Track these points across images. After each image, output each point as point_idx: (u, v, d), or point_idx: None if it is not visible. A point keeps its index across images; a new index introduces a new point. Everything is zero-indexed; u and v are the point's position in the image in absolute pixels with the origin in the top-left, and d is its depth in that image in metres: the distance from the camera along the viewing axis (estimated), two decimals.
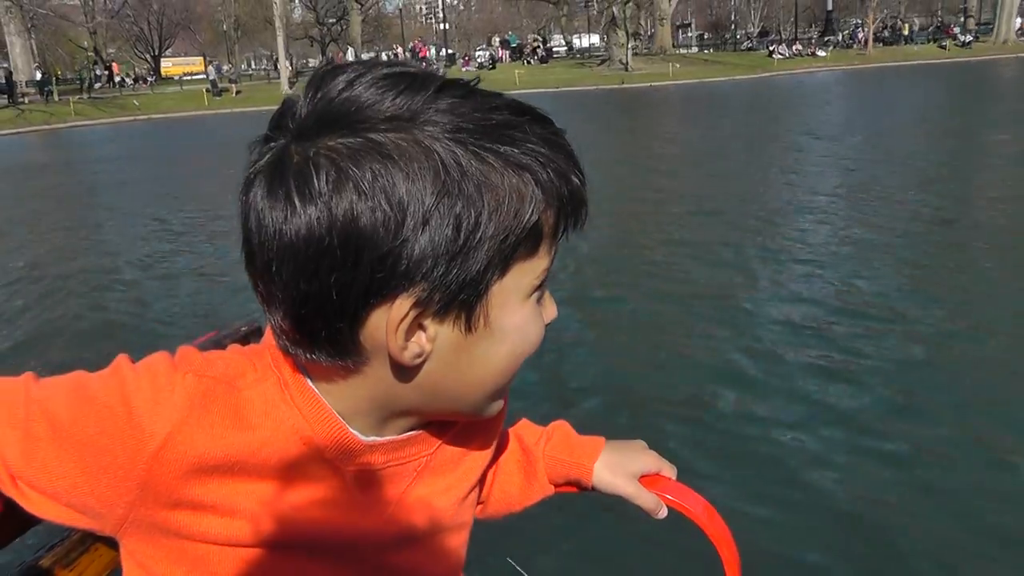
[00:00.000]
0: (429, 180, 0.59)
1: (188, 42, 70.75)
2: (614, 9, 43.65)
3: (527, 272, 0.66)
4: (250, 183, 0.63)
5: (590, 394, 4.59)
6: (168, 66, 58.77)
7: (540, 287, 0.69)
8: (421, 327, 0.64)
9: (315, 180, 0.59)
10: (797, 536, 3.14)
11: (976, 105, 21.21)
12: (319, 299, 0.61)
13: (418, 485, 0.78)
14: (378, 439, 0.73)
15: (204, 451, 0.65)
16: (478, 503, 0.98)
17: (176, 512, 0.67)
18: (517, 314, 0.67)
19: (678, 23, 79.74)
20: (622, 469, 0.98)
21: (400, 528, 0.77)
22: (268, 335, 0.72)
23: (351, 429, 0.71)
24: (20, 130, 33.02)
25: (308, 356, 0.66)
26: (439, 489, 0.80)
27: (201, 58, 61.11)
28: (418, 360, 0.66)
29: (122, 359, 0.69)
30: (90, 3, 54.63)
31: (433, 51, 60.41)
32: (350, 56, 50.40)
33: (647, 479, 0.99)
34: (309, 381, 0.70)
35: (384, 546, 0.77)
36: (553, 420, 1.05)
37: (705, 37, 71.93)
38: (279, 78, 42.69)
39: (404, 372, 0.67)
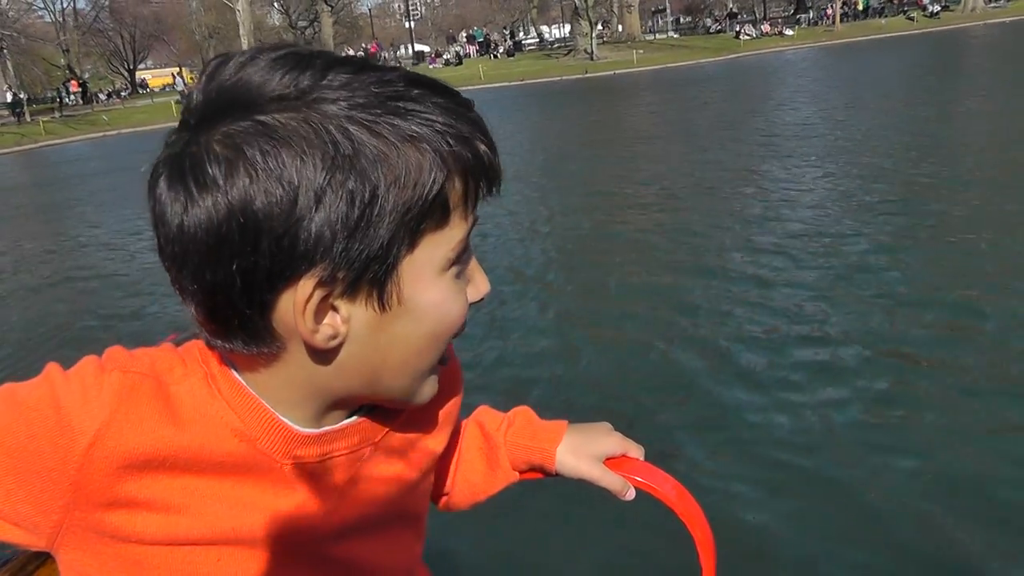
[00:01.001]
0: (319, 158, 0.59)
1: (167, 53, 71.00)
2: (576, 0, 43.81)
3: (439, 244, 0.65)
4: (155, 177, 0.63)
5: (564, 385, 4.59)
6: (149, 78, 59.01)
7: (459, 260, 0.68)
8: (334, 309, 0.64)
9: (208, 168, 0.59)
10: (777, 518, 3.13)
11: (933, 73, 21.37)
12: (226, 287, 0.61)
13: (363, 475, 0.77)
14: (315, 431, 0.72)
15: (135, 446, 0.64)
16: (442, 495, 1.02)
17: (111, 512, 0.65)
18: (433, 289, 0.67)
19: (653, 9, 79.86)
20: (585, 451, 0.97)
21: (345, 519, 0.76)
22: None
23: (285, 420, 0.70)
24: None
25: (226, 346, 0.65)
26: (386, 478, 0.79)
27: (180, 68, 61.42)
28: (333, 342, 0.65)
29: (52, 366, 0.67)
30: (61, 21, 54.80)
31: (403, 49, 60.58)
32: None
33: (613, 461, 0.97)
34: (236, 374, 0.69)
35: (329, 538, 0.76)
36: (515, 407, 1.04)
37: (681, 21, 71.87)
38: None
39: (323, 356, 0.66)
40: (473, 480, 1.01)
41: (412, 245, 0.64)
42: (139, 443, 0.64)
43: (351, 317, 0.65)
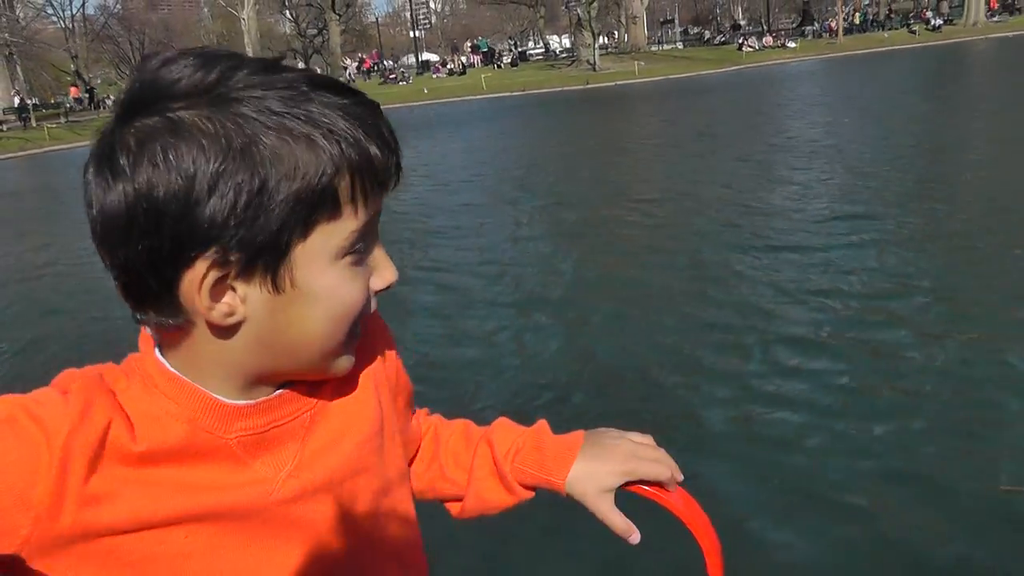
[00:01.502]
0: (214, 151, 0.65)
1: None
2: (579, 11, 44.02)
3: (332, 234, 0.70)
4: (86, 165, 0.70)
5: (571, 388, 4.63)
6: None
7: (355, 250, 0.73)
8: (232, 289, 0.70)
9: (119, 159, 0.66)
10: (781, 523, 3.17)
11: (924, 87, 21.46)
12: (136, 265, 0.68)
13: (309, 440, 0.82)
14: (249, 402, 0.77)
15: (102, 441, 0.69)
16: (455, 501, 1.06)
17: (83, 510, 0.69)
18: (326, 275, 0.72)
19: (662, 19, 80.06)
20: (593, 484, 0.95)
21: (305, 484, 0.80)
22: (141, 335, 0.79)
23: (218, 397, 0.75)
24: None
25: (143, 318, 0.73)
26: (332, 439, 0.83)
27: None
28: (230, 319, 0.71)
29: (9, 395, 0.72)
30: (70, 28, 55.36)
31: (408, 58, 60.93)
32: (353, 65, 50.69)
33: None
34: (168, 365, 0.76)
35: (292, 503, 0.80)
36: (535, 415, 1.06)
37: (690, 32, 72.00)
38: None
39: (227, 332, 0.72)
40: (487, 498, 1.02)
41: (304, 234, 0.69)
42: (105, 438, 0.69)
43: (247, 297, 0.70)
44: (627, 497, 0.95)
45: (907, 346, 4.68)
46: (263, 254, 0.69)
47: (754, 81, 31.89)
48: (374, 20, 78.81)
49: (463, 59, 54.20)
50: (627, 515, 0.93)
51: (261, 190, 0.66)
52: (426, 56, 63.68)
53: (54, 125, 39.64)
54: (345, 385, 0.86)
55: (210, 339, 0.73)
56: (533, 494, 1.00)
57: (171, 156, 0.65)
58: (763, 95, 25.07)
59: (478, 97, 37.99)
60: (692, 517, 0.92)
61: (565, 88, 38.68)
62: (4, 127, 40.49)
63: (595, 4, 44.24)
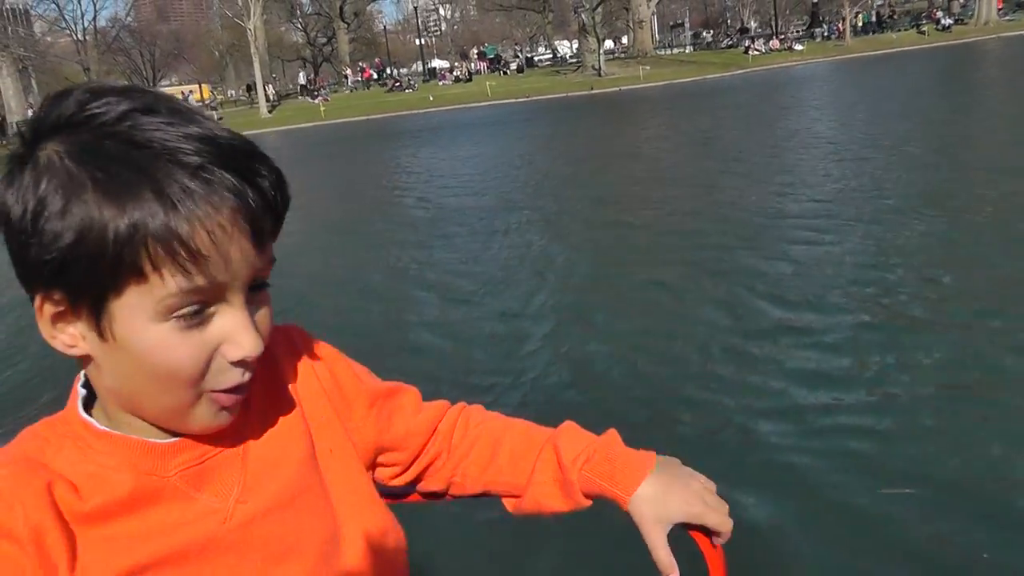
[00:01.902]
0: (38, 195, 0.67)
1: (188, 70, 72.20)
2: (583, 16, 44.00)
3: (144, 294, 0.68)
4: None
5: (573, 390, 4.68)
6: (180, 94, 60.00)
7: (181, 315, 0.70)
8: (72, 322, 0.71)
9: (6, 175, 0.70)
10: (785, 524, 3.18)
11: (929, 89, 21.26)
12: (20, 282, 0.72)
13: (249, 465, 0.82)
14: (174, 439, 0.78)
15: (57, 512, 0.71)
16: (511, 497, 1.05)
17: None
18: (147, 334, 0.70)
19: (672, 23, 79.81)
20: (656, 511, 0.93)
21: (253, 507, 0.81)
22: (73, 390, 0.81)
23: (150, 439, 0.77)
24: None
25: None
26: (272, 462, 0.84)
27: (199, 85, 62.48)
28: (72, 351, 0.73)
29: None
30: (82, 40, 55.95)
31: (416, 66, 61.14)
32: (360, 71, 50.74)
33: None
34: (95, 422, 0.77)
35: (245, 526, 0.80)
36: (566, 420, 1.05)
37: (700, 36, 71.69)
38: (258, 104, 43.41)
39: (88, 365, 0.76)
40: (544, 504, 1.01)
41: (117, 291, 0.68)
42: (55, 503, 0.71)
43: (86, 337, 0.71)
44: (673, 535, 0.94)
45: (925, 344, 4.69)
46: (81, 301, 0.69)
47: (757, 85, 31.81)
48: (378, 29, 79.07)
49: (469, 66, 54.23)
50: (629, 521, 0.93)
51: (57, 241, 0.66)
52: (436, 63, 63.87)
53: None
54: (269, 412, 0.87)
55: (88, 372, 0.76)
56: (591, 503, 0.99)
57: (15, 186, 0.68)
58: (764, 99, 24.98)
59: (483, 104, 38.03)
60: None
61: (569, 94, 38.72)
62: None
63: (599, 9, 44.18)
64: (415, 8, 64.87)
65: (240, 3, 45.13)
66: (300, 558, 0.83)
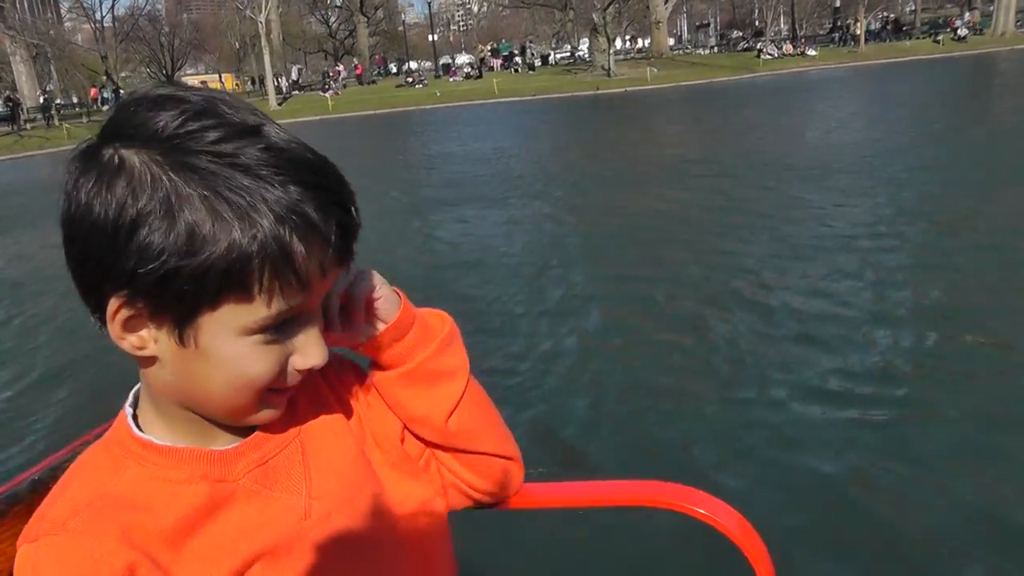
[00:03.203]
0: (146, 202, 0.66)
1: (209, 60, 72.81)
2: (594, 16, 43.88)
3: (240, 314, 0.70)
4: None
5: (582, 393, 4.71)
6: (196, 84, 60.34)
7: (268, 331, 0.73)
8: (146, 326, 0.72)
9: (79, 177, 0.70)
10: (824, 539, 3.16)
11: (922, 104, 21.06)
12: (75, 276, 0.72)
13: (310, 464, 0.85)
14: (232, 445, 0.81)
15: (144, 542, 0.73)
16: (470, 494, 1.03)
17: None
18: (231, 346, 0.72)
19: (698, 23, 79.35)
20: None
21: (325, 503, 0.84)
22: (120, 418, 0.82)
23: (213, 447, 0.80)
24: (14, 156, 34.28)
25: (101, 329, 0.74)
26: (330, 461, 0.87)
27: (219, 75, 63.05)
28: (140, 352, 0.74)
29: None
30: (100, 29, 56.58)
31: (434, 60, 61.33)
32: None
33: (664, 487, 0.98)
34: (154, 438, 0.79)
35: (323, 521, 0.83)
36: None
37: (725, 37, 71.10)
38: (268, 95, 43.71)
39: (148, 363, 0.76)
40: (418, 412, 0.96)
41: (213, 306, 0.69)
42: (139, 547, 0.72)
43: (159, 339, 0.72)
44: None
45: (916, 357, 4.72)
46: (169, 311, 0.69)
47: (760, 90, 31.58)
48: (409, 22, 79.31)
49: (479, 62, 54.21)
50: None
51: (173, 254, 0.66)
52: (462, 59, 63.88)
53: (73, 124, 40.49)
54: (312, 409, 0.89)
55: (148, 370, 0.76)
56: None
57: (106, 191, 0.67)
58: (761, 106, 24.82)
59: (490, 101, 38.04)
60: (749, 544, 0.90)
61: (576, 94, 38.59)
62: (29, 126, 41.49)
63: (611, 9, 44.03)
64: (429, 4, 64.88)
65: None
66: (372, 555, 0.85)
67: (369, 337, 0.90)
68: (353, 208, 0.74)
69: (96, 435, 0.86)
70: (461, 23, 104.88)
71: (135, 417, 0.81)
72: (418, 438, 0.98)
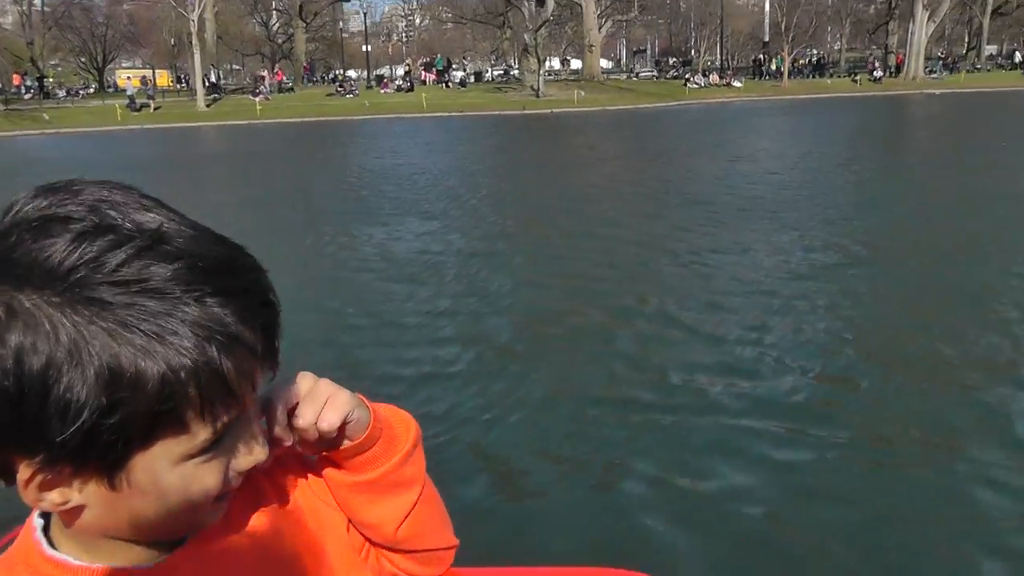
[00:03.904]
0: (31, 361, 0.57)
1: (144, 55, 71.50)
2: (526, 36, 44.77)
3: (177, 445, 0.64)
4: None
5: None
6: (130, 77, 59.39)
7: (204, 452, 0.66)
8: (68, 483, 0.63)
9: None
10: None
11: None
12: None
13: (251, 561, 0.80)
14: (166, 554, 0.74)
15: None
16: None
17: None
18: (169, 476, 0.65)
19: (635, 49, 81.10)
20: None
21: None
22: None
23: (139, 566, 0.72)
24: None
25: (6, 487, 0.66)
26: (272, 552, 0.82)
27: (153, 71, 62.00)
28: (66, 506, 0.65)
29: None
30: (27, 13, 55.30)
31: (357, 73, 61.46)
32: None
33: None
34: (56, 553, 0.70)
35: None
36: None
37: (661, 63, 72.83)
38: (196, 96, 43.40)
39: (74, 510, 0.66)
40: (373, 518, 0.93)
41: (144, 446, 0.62)
42: None
43: (84, 490, 0.64)
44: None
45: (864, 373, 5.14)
46: (96, 464, 0.62)
47: (681, 117, 32.74)
48: (355, 31, 79.26)
49: (411, 75, 54.58)
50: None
51: (95, 409, 0.58)
52: (401, 69, 64.06)
53: None
54: (257, 507, 0.84)
55: (73, 510, 0.67)
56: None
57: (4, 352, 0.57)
58: (678, 134, 25.79)
59: (416, 116, 38.46)
60: None
61: (503, 112, 39.27)
62: None
63: (543, 30, 44.95)
64: (364, 14, 65.15)
65: None
66: None
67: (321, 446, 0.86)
68: (272, 296, 0.68)
69: None
70: (404, 35, 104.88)
71: (45, 529, 0.72)
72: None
